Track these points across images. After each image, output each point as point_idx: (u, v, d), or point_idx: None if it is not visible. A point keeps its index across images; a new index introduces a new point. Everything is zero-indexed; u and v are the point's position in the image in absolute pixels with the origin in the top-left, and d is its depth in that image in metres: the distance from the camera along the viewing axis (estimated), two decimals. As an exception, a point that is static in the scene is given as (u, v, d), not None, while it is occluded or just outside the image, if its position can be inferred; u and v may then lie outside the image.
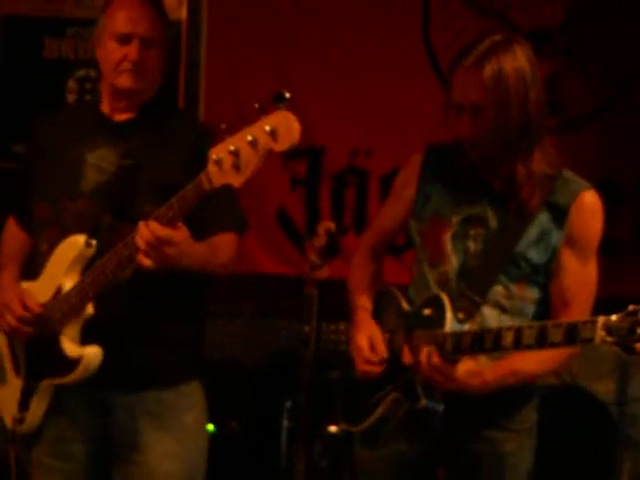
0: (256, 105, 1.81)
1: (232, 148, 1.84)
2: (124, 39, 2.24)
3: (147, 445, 2.23)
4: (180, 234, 2.00)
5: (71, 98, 3.79)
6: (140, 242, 1.99)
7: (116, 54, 2.24)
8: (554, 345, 1.82)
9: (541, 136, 2.06)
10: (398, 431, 2.14)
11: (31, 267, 2.34)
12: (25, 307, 2.22)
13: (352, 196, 3.74)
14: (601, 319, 1.72)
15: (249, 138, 1.82)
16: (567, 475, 3.26)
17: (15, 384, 2.30)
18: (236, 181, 1.87)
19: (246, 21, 3.76)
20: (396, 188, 2.31)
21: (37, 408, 2.25)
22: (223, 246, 2.24)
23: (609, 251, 3.33)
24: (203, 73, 3.80)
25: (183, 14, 3.79)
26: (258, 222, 3.70)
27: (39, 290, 2.24)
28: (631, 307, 1.68)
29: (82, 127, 2.33)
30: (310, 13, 3.71)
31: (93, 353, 2.13)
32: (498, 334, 1.91)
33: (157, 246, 1.98)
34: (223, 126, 1.87)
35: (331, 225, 2.98)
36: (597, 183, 2.47)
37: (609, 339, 1.71)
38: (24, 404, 2.26)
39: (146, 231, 1.98)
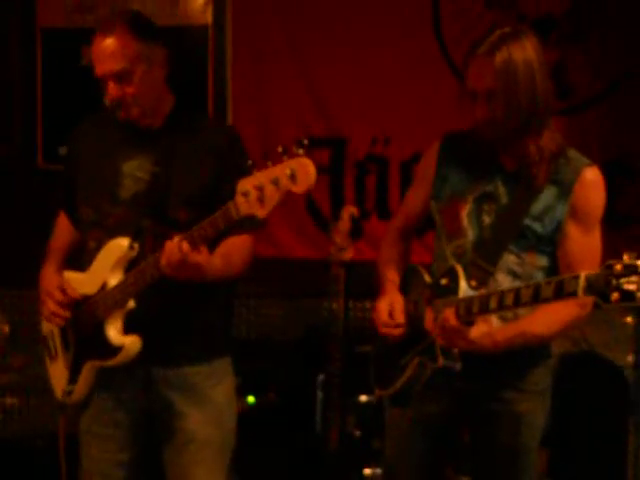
0: (279, 148, 2.00)
1: (257, 184, 2.04)
2: (101, 81, 2.33)
3: (186, 413, 2.40)
4: (201, 257, 2.18)
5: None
6: (164, 259, 2.18)
7: (105, 94, 2.34)
8: (546, 300, 1.94)
9: (549, 118, 2.18)
10: (423, 392, 2.27)
11: (80, 260, 2.50)
12: (64, 293, 2.41)
13: (373, 182, 3.82)
14: (583, 274, 1.84)
15: (272, 178, 2.01)
16: (583, 437, 3.32)
17: (64, 360, 2.49)
18: (260, 213, 2.06)
19: (270, 22, 3.83)
20: (418, 174, 2.46)
21: (84, 382, 2.44)
22: (236, 253, 2.36)
23: (620, 226, 3.46)
24: (229, 75, 3.87)
25: (209, 18, 3.86)
26: (287, 210, 3.80)
27: (87, 282, 2.42)
28: (608, 262, 1.80)
29: (116, 136, 2.43)
30: (330, 13, 3.77)
31: (133, 342, 2.32)
32: (501, 295, 2.04)
33: (179, 267, 2.17)
34: (250, 162, 2.06)
35: (354, 210, 3.10)
36: (606, 162, 2.58)
37: (589, 291, 1.82)
38: (73, 378, 2.45)
39: (170, 250, 2.16)
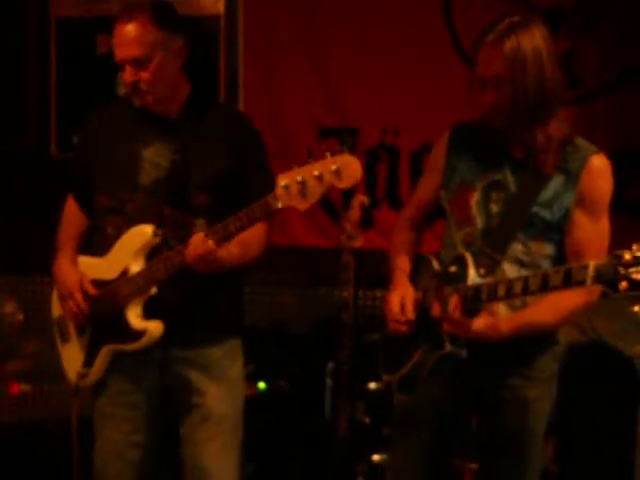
0: (323, 146, 2.07)
1: (299, 178, 2.09)
2: (120, 66, 2.38)
3: (202, 390, 2.47)
4: (224, 252, 2.26)
5: (122, 90, 3.89)
6: (190, 255, 2.24)
7: (122, 77, 2.39)
8: (555, 288, 1.97)
9: (557, 106, 2.19)
10: (430, 378, 2.28)
11: (96, 245, 2.53)
12: (85, 295, 2.45)
13: (384, 171, 3.83)
14: (592, 263, 1.87)
15: (316, 173, 2.07)
16: (590, 427, 3.30)
17: (79, 343, 2.53)
18: (302, 206, 2.11)
19: (281, 12, 3.84)
20: (428, 164, 2.48)
21: (100, 365, 2.48)
22: (253, 241, 2.41)
23: (630, 211, 3.48)
24: (241, 66, 3.88)
25: (221, 8, 3.87)
26: None
27: (105, 268, 2.46)
28: (617, 251, 1.83)
29: (134, 124, 2.46)
30: (341, 3, 3.78)
31: (156, 327, 2.38)
32: (510, 284, 2.06)
33: (204, 261, 2.24)
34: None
35: (364, 198, 3.12)
36: (615, 151, 2.58)
37: (598, 280, 1.85)
38: (88, 361, 2.49)
39: (196, 243, 2.23)
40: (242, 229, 2.23)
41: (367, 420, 3.30)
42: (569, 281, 1.92)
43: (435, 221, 2.55)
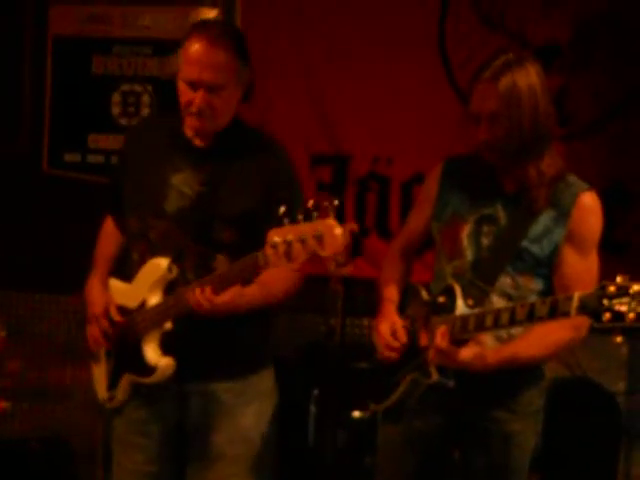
0: (310, 202, 1.99)
1: (287, 239, 1.99)
2: (191, 85, 2.25)
3: (217, 428, 2.39)
4: (225, 296, 2.18)
5: (116, 110, 3.90)
6: (193, 304, 2.20)
7: (185, 96, 2.27)
8: (541, 319, 1.98)
9: (549, 142, 2.23)
10: (416, 409, 2.31)
11: (125, 269, 2.49)
12: (111, 322, 2.41)
13: (374, 200, 3.82)
14: (576, 294, 1.88)
15: (300, 236, 1.97)
16: (574, 462, 3.30)
17: (106, 367, 2.50)
18: (287, 267, 2.07)
19: (277, 38, 3.85)
20: (420, 196, 2.50)
21: (123, 391, 2.44)
22: (277, 281, 2.32)
23: (620, 252, 3.49)
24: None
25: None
26: None
27: (129, 295, 2.42)
28: (602, 282, 1.84)
29: (167, 145, 2.39)
30: (338, 32, 3.79)
31: (167, 364, 2.33)
32: (497, 314, 2.07)
33: (205, 310, 2.19)
34: (282, 210, 2.02)
35: (354, 226, 3.00)
36: (606, 188, 2.60)
37: (582, 311, 1.86)
38: (112, 385, 2.46)
39: (194, 301, 2.19)
40: (233, 283, 2.17)
41: (350, 448, 3.28)
42: (555, 312, 1.94)
43: (425, 251, 2.56)
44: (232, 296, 2.20)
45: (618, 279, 1.82)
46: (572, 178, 2.26)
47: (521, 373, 2.26)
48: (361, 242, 3.26)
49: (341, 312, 3.12)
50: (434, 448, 2.37)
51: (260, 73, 3.78)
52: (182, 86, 2.29)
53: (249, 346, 2.44)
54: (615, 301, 1.80)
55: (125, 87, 3.89)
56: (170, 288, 2.33)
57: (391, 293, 2.42)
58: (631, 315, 1.78)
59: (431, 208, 2.39)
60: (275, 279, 2.32)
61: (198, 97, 2.26)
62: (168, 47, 3.62)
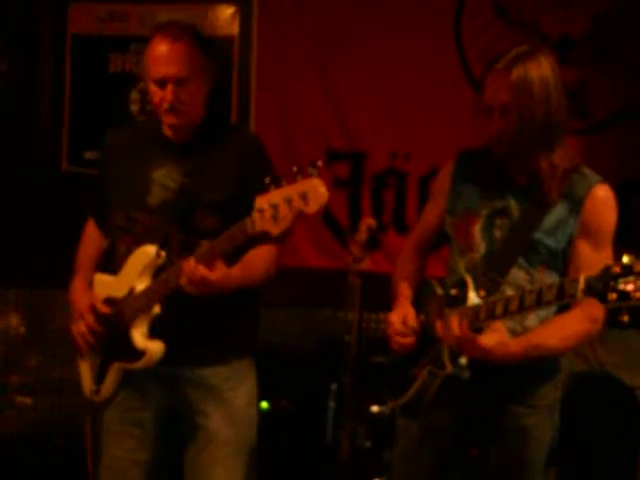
0: (294, 168, 2.06)
1: (273, 202, 2.09)
2: (160, 83, 2.37)
3: (207, 413, 2.46)
4: (217, 274, 2.24)
5: (134, 108, 3.95)
6: (183, 280, 2.24)
7: (156, 96, 2.39)
8: (549, 303, 1.98)
9: (562, 135, 2.22)
10: (433, 404, 2.29)
11: (111, 263, 2.56)
12: (97, 316, 2.46)
13: (392, 196, 3.85)
14: (582, 276, 1.88)
15: (286, 197, 2.07)
16: (592, 457, 3.30)
17: (92, 361, 2.54)
18: (274, 230, 2.12)
19: (294, 35, 3.87)
20: (434, 190, 2.50)
21: (111, 382, 2.49)
22: (258, 262, 2.42)
23: (635, 246, 3.52)
24: (254, 88, 3.90)
25: (235, 29, 3.90)
26: (305, 220, 3.88)
27: (116, 286, 2.48)
28: (608, 264, 1.84)
29: (148, 144, 2.50)
30: (354, 29, 3.80)
31: (156, 348, 2.38)
32: (507, 301, 2.08)
33: (197, 284, 2.23)
34: (268, 180, 2.11)
35: (372, 221, 3.12)
36: (622, 182, 2.58)
37: (588, 292, 1.86)
38: (99, 378, 2.50)
39: (188, 271, 2.23)
40: (225, 253, 2.23)
41: (368, 444, 3.29)
42: (562, 295, 1.94)
43: (442, 246, 2.55)
44: (221, 274, 2.25)
45: (624, 259, 1.81)
46: (586, 170, 2.26)
47: (536, 367, 2.25)
48: (379, 237, 3.27)
49: (359, 307, 3.12)
50: (450, 443, 2.37)
51: (277, 70, 3.90)
52: (152, 88, 2.40)
53: (237, 332, 2.51)
54: (621, 280, 1.80)
55: (142, 85, 3.81)
56: (158, 274, 2.40)
57: (405, 289, 2.42)
58: (638, 294, 1.78)
59: (444, 202, 2.39)
60: (257, 258, 2.41)
61: (167, 92, 2.36)
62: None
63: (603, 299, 1.82)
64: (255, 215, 2.13)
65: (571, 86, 3.50)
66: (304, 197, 2.05)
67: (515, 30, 3.66)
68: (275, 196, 2.09)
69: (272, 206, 2.09)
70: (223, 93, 3.86)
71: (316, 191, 2.04)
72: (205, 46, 2.43)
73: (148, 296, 2.39)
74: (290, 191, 2.07)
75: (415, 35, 3.77)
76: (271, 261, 2.46)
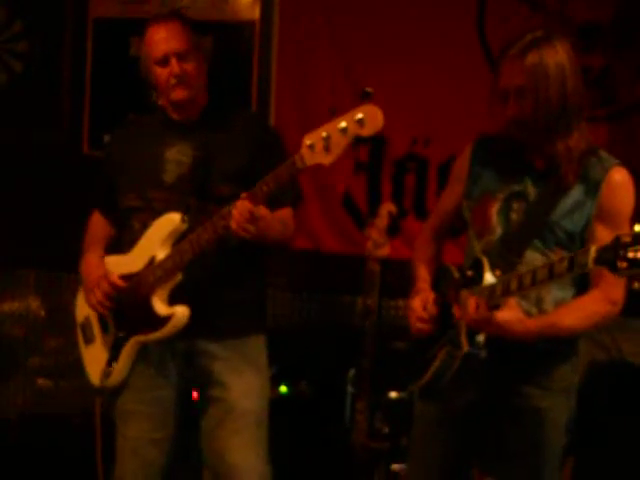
0: (328, 110, 2.10)
1: (324, 135, 2.17)
2: (163, 61, 2.49)
3: (226, 384, 2.50)
4: (265, 210, 2.30)
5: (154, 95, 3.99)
6: (237, 216, 2.27)
7: (163, 76, 2.50)
8: (561, 275, 1.98)
9: (579, 119, 2.22)
10: (450, 387, 2.29)
11: (122, 243, 2.59)
12: (112, 284, 2.50)
13: (412, 181, 3.84)
14: (593, 247, 1.90)
15: (340, 126, 2.15)
16: (610, 446, 3.27)
17: (103, 342, 2.56)
18: (326, 160, 2.18)
19: (315, 20, 3.86)
20: (452, 175, 2.50)
21: (125, 361, 2.51)
22: (286, 219, 2.53)
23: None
24: (274, 72, 3.90)
25: (256, 14, 3.90)
26: (325, 205, 3.86)
27: (131, 261, 2.50)
28: (619, 233, 1.85)
29: (156, 130, 2.60)
30: (376, 13, 3.79)
31: (182, 312, 2.41)
32: (520, 277, 2.08)
33: (250, 220, 2.26)
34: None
35: (392, 207, 3.14)
36: None
37: (599, 262, 1.86)
38: (113, 358, 2.52)
39: (240, 207, 2.27)
40: (270, 192, 2.28)
41: (386, 429, 3.29)
42: (573, 265, 1.94)
43: (461, 233, 2.56)
44: (266, 211, 2.31)
45: (636, 227, 1.84)
46: (603, 153, 2.26)
47: (552, 348, 2.25)
48: (399, 223, 3.27)
49: (378, 293, 3.13)
50: (467, 426, 2.37)
51: (297, 54, 3.90)
52: (157, 70, 2.51)
53: (251, 307, 2.58)
54: (630, 249, 1.80)
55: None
56: (178, 243, 2.43)
57: (424, 273, 2.45)
58: None
59: (462, 186, 2.40)
60: (286, 218, 2.53)
61: (173, 66, 2.48)
62: (206, 27, 3.62)
63: (614, 267, 1.83)
64: (304, 150, 2.19)
65: (596, 72, 3.47)
66: (360, 122, 2.14)
67: (539, 16, 3.62)
68: (327, 129, 2.17)
69: (324, 139, 2.16)
70: (244, 78, 3.86)
71: (374, 115, 2.14)
72: (193, 25, 2.58)
73: (174, 260, 2.40)
74: (345, 118, 2.15)
75: (437, 21, 3.75)
76: (292, 224, 2.56)
